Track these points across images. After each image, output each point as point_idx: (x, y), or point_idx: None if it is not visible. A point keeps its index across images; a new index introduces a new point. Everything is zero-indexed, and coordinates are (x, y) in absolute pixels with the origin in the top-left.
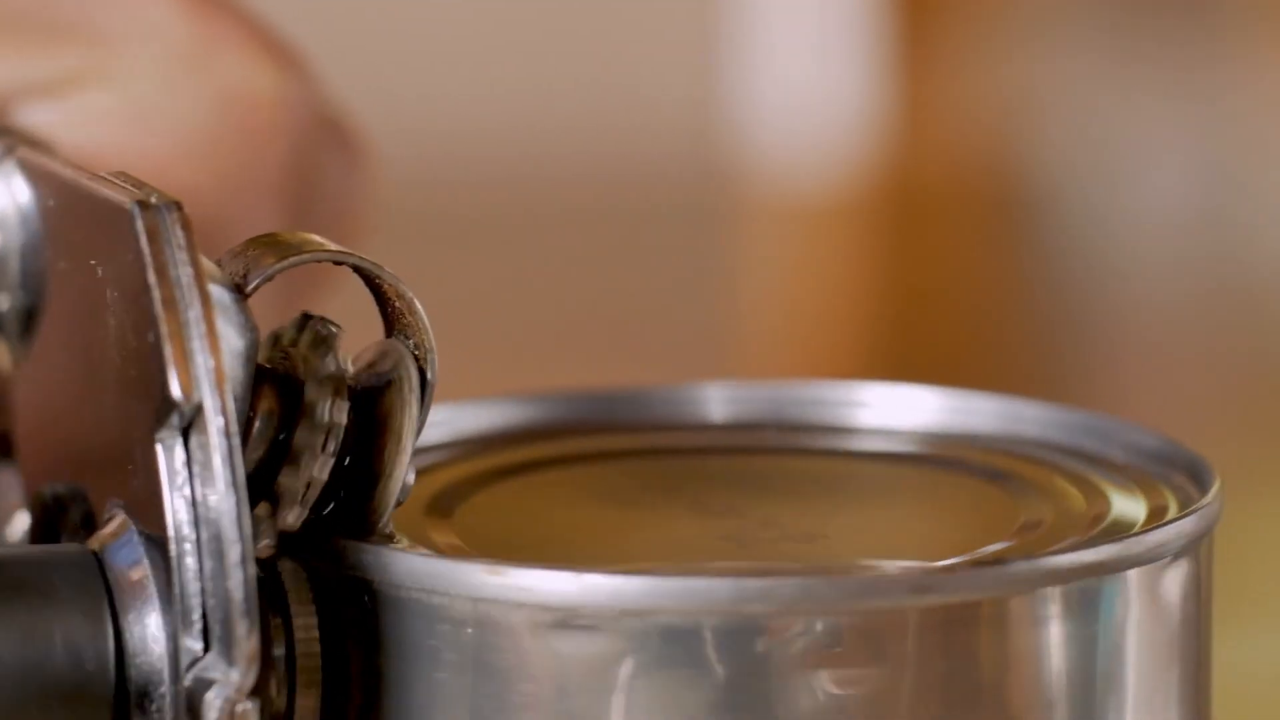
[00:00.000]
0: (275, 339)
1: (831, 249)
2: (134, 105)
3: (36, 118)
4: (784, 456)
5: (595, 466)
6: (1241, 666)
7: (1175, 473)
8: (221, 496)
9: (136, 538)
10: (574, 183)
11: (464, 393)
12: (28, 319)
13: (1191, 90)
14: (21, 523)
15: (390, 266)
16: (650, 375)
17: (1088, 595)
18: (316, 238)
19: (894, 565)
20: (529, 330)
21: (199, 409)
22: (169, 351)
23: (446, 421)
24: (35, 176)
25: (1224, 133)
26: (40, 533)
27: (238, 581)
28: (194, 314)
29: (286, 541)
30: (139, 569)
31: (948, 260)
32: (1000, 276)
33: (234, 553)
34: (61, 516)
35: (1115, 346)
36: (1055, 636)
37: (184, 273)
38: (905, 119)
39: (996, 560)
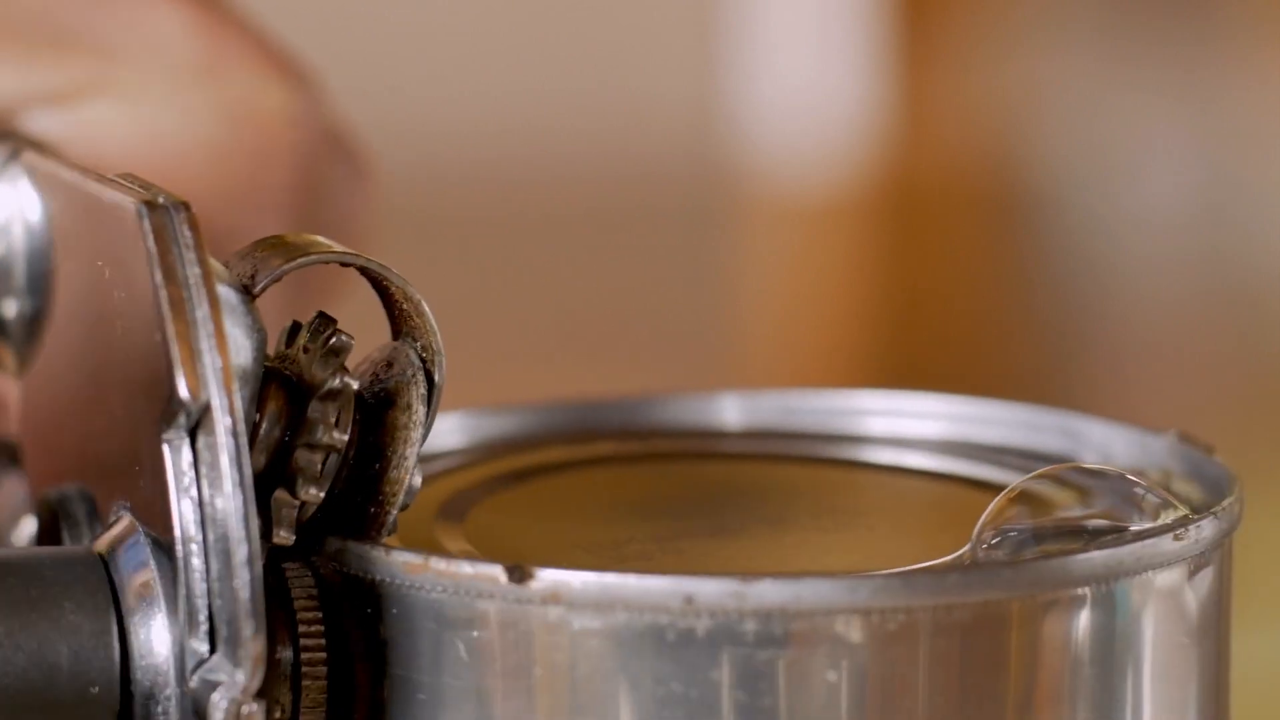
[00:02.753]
0: (289, 338)
1: (832, 249)
2: (140, 119)
3: (42, 126)
4: (796, 465)
5: (606, 472)
6: (1248, 665)
7: (1193, 475)
8: (228, 497)
9: (143, 539)
10: (574, 183)
11: (463, 392)
12: (33, 325)
13: (1191, 90)
14: (28, 528)
15: (381, 261)
16: (650, 375)
17: (1108, 597)
18: (324, 239)
19: (910, 569)
20: (528, 330)
21: (206, 409)
22: (176, 351)
23: (460, 429)
24: (41, 180)
25: (1223, 133)
26: (46, 536)
27: (244, 582)
28: (201, 314)
29: (294, 545)
30: (145, 571)
31: (948, 260)
32: (1000, 276)
33: (240, 553)
34: (67, 519)
35: (1115, 345)
36: (1076, 637)
37: (192, 272)
38: (905, 118)
39: (1017, 561)
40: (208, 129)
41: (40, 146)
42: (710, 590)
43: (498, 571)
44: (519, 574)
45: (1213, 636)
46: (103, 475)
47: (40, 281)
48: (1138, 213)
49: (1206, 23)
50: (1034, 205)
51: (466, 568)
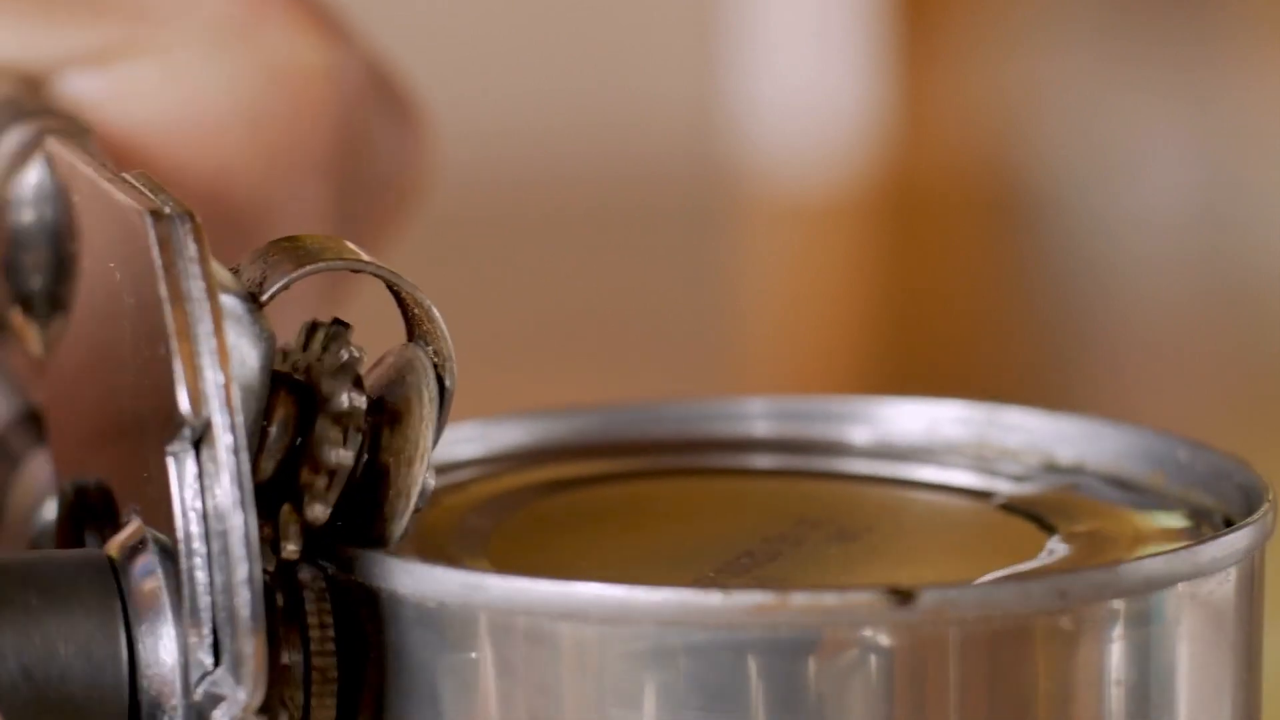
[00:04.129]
0: (307, 337)
1: (831, 249)
2: (179, 77)
3: (82, 87)
4: (809, 479)
5: (619, 486)
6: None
7: (1221, 484)
8: (230, 514)
9: (152, 545)
10: (574, 183)
11: (463, 391)
12: (54, 304)
13: (1191, 90)
14: (53, 509)
15: (392, 268)
16: (650, 375)
17: (1143, 608)
18: (339, 243)
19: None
20: (528, 330)
21: (209, 425)
22: (178, 367)
23: (479, 437)
24: (62, 168)
25: (1223, 133)
26: (65, 527)
27: (244, 600)
28: (204, 328)
29: (305, 549)
30: (153, 579)
31: (947, 259)
32: (1000, 276)
33: (241, 570)
34: (85, 513)
35: (1115, 345)
36: (1107, 650)
37: (195, 285)
38: (906, 118)
39: (1049, 572)
40: (245, 87)
41: (71, 120)
42: (1080, 584)
43: (873, 598)
44: (902, 597)
45: (1246, 645)
46: (117, 472)
47: (63, 263)
48: (1138, 213)
49: (1206, 23)
50: (1034, 205)
51: (833, 599)
